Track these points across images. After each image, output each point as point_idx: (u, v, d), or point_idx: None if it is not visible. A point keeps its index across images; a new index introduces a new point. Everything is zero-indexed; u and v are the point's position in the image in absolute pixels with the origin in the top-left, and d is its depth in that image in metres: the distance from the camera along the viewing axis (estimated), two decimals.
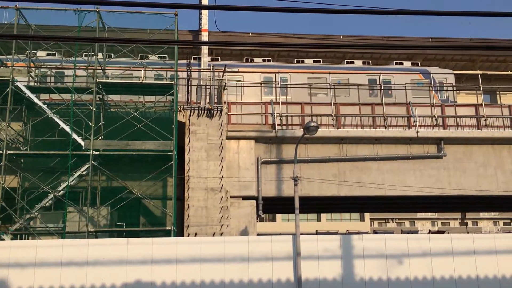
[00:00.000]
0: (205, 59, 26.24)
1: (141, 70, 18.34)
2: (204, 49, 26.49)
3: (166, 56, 22.46)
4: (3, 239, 16.18)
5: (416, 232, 65.04)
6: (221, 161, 18.05)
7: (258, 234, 18.34)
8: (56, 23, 18.79)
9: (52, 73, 21.09)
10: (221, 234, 17.21)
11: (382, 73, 24.48)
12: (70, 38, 6.63)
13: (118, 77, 19.87)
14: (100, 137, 17.75)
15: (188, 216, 17.49)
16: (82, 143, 17.05)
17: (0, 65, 19.02)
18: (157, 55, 20.85)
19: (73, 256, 12.94)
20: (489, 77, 31.70)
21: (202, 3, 26.48)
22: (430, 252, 13.70)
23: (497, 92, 28.80)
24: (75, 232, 17.19)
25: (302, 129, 14.45)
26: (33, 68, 19.26)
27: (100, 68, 18.80)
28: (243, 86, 23.82)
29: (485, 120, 20.58)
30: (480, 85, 22.10)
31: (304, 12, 6.69)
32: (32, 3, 16.84)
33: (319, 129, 14.56)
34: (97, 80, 17.55)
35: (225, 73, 19.25)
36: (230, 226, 17.69)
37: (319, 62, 27.59)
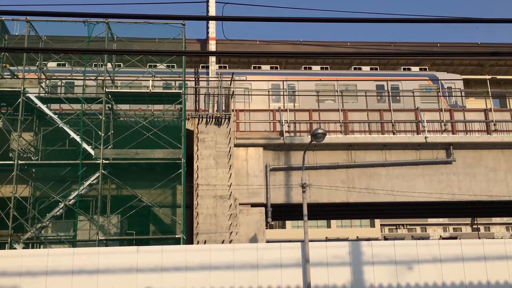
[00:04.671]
0: (213, 67, 26.42)
1: (149, 80, 18.54)
2: (212, 58, 26.68)
3: (175, 65, 22.65)
4: (15, 248, 16.37)
5: (427, 238, 64.48)
6: (230, 168, 18.12)
7: (267, 241, 18.33)
8: (66, 33, 19.07)
9: (62, 84, 21.38)
10: (230, 242, 17.25)
11: (390, 79, 24.46)
12: (80, 50, 6.79)
13: (127, 87, 20.08)
14: (109, 146, 17.92)
15: (197, 223, 17.56)
16: (92, 152, 17.24)
17: (11, 77, 19.30)
18: (165, 64, 21.06)
19: (84, 264, 13.07)
20: (498, 81, 31.55)
21: (210, 13, 26.69)
22: (440, 258, 13.64)
23: (507, 96, 28.64)
24: (85, 240, 17.32)
25: (310, 136, 14.48)
26: (44, 79, 19.53)
27: (109, 78, 19.03)
28: (251, 94, 23.94)
29: (494, 124, 20.49)
30: (489, 90, 22.03)
31: (311, 22, 6.77)
32: (42, 16, 17.11)
33: (327, 136, 14.61)
34: (107, 90, 17.75)
35: (232, 81, 19.38)
36: (239, 233, 17.73)
37: (326, 68, 27.63)
